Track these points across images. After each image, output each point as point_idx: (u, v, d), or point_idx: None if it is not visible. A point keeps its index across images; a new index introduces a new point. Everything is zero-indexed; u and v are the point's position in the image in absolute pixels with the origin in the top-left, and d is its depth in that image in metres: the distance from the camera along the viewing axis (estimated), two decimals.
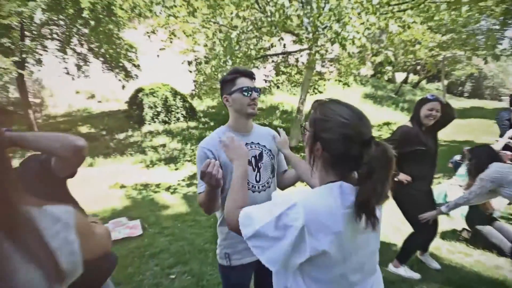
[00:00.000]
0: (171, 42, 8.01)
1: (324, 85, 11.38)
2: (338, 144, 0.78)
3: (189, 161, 7.47)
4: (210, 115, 11.69)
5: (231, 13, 6.20)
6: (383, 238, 3.12)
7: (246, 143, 1.41)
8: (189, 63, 8.21)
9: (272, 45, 7.07)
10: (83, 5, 5.70)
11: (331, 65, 10.23)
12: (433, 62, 12.21)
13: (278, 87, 15.38)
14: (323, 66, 10.42)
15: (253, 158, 1.40)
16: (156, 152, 8.05)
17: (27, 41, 7.77)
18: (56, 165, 1.08)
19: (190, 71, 8.10)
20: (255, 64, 9.05)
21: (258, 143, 1.42)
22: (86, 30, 7.85)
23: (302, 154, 7.89)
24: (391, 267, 2.51)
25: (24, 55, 7.30)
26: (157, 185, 5.70)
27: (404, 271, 2.46)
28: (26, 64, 8.23)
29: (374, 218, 0.74)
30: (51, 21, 7.78)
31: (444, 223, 3.52)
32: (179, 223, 3.83)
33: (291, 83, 10.75)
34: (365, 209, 0.73)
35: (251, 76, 1.43)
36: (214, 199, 1.22)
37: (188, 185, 5.77)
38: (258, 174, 1.40)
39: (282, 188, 1.54)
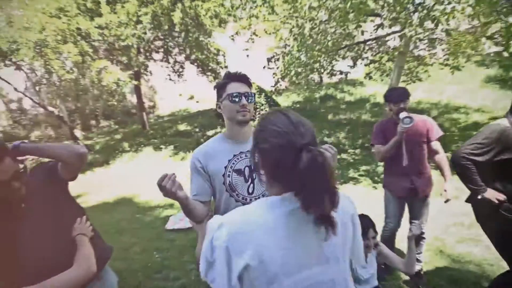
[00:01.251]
0: (253, 42, 8.33)
1: (426, 71, 9.70)
2: (272, 154, 0.76)
3: None
4: (295, 111, 11.61)
5: (305, 5, 5.93)
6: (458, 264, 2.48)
7: (241, 152, 1.35)
8: (268, 60, 8.34)
9: (349, 34, 6.43)
10: (175, 20, 6.50)
11: (433, 46, 8.57)
12: None
13: (370, 77, 14.05)
14: (423, 49, 8.85)
15: (246, 168, 1.33)
16: None
17: (141, 57, 9.44)
18: (62, 169, 1.29)
19: (269, 68, 8.22)
20: (337, 56, 8.46)
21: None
22: (181, 41, 8.99)
23: None
24: None
25: (136, 68, 8.93)
26: None
27: None
28: (142, 73, 10.12)
29: (328, 226, 0.71)
30: (156, 38, 9.23)
31: None
32: None
33: (382, 73, 9.59)
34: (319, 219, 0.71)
35: (244, 81, 1.36)
36: (188, 209, 1.20)
37: None
38: (251, 185, 1.34)
39: None
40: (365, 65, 9.17)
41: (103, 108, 11.37)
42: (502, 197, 1.73)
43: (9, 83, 8.70)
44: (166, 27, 7.60)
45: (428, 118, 2.41)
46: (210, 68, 10.53)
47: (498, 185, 1.77)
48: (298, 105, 12.37)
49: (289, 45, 7.14)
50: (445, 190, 2.25)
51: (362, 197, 4.34)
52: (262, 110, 11.14)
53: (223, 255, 0.73)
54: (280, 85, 8.71)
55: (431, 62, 9.18)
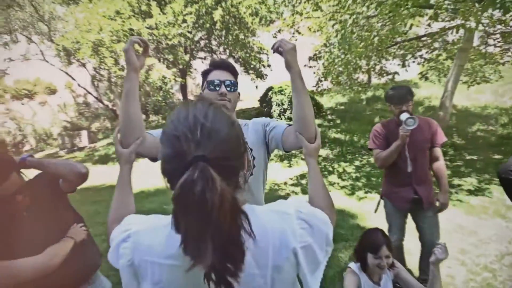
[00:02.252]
0: (296, 40, 8.13)
1: (496, 71, 8.46)
2: (161, 163, 0.58)
3: (303, 159, 7.37)
4: (338, 112, 11.07)
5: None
6: None
7: None
8: (310, 59, 8.05)
9: (399, 30, 5.83)
10: (215, 18, 6.62)
11: (506, 42, 7.37)
12: None
13: (426, 78, 12.82)
14: (493, 45, 7.67)
15: None
16: None
17: (186, 55, 9.86)
18: (62, 184, 1.37)
19: (310, 67, 7.92)
20: (387, 55, 7.79)
21: None
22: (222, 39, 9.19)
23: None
24: None
25: (181, 66, 9.34)
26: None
27: None
28: (187, 71, 10.56)
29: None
30: (201, 37, 9.56)
31: None
32: None
33: (440, 72, 8.62)
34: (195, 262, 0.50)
35: (226, 68, 1.26)
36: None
37: (295, 185, 5.71)
38: None
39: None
40: (418, 64, 8.31)
41: (153, 104, 12.15)
42: None
43: (73, 78, 9.78)
44: (208, 25, 7.80)
45: (433, 120, 2.15)
46: (252, 66, 10.56)
47: None
48: (342, 107, 11.77)
49: (332, 43, 6.77)
50: (438, 200, 2.13)
51: None
52: None
53: (127, 273, 0.63)
54: (322, 85, 8.34)
55: (503, 61, 7.96)
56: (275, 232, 0.62)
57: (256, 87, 11.73)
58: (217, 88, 1.20)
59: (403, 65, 7.84)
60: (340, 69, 6.57)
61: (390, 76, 8.17)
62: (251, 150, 1.25)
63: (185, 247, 0.51)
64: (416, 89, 12.60)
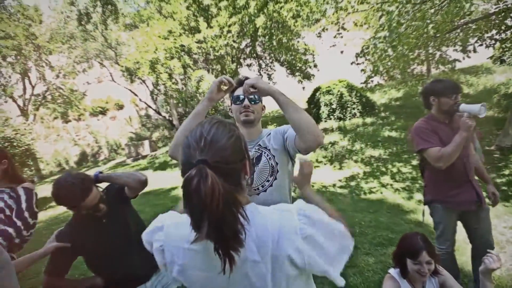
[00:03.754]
0: (341, 37, 7.89)
1: None
2: (181, 168, 0.72)
3: (355, 161, 7.06)
4: (392, 109, 10.33)
5: None
6: None
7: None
8: (357, 56, 7.69)
9: (459, 11, 5.24)
10: (258, 25, 6.80)
11: None
12: None
13: (502, 61, 11.23)
14: None
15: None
16: (325, 150, 8.21)
17: (233, 64, 10.28)
18: (127, 191, 1.65)
19: (357, 64, 7.56)
20: (446, 40, 7.02)
21: (259, 145, 1.37)
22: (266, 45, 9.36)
23: None
24: None
25: (228, 75, 9.81)
26: (312, 184, 5.84)
27: None
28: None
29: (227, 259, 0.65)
30: (246, 45, 9.88)
31: None
32: None
33: None
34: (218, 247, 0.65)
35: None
36: None
37: (343, 187, 5.52)
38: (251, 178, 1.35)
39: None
40: (487, 47, 7.30)
41: (210, 112, 13.00)
42: None
43: (136, 94, 11.00)
44: (251, 32, 8.05)
45: None
46: (298, 68, 10.52)
47: None
48: (397, 102, 10.95)
49: (378, 37, 6.39)
50: (494, 194, 2.04)
51: None
52: (353, 109, 10.38)
53: (158, 254, 0.81)
54: (372, 81, 7.88)
55: None
56: (275, 226, 0.71)
57: (303, 88, 11.62)
58: (240, 102, 1.34)
59: (464, 51, 6.98)
60: (389, 63, 6.17)
61: (450, 65, 7.34)
62: (274, 156, 1.33)
63: (191, 225, 0.65)
64: (489, 74, 11.11)
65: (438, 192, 2.02)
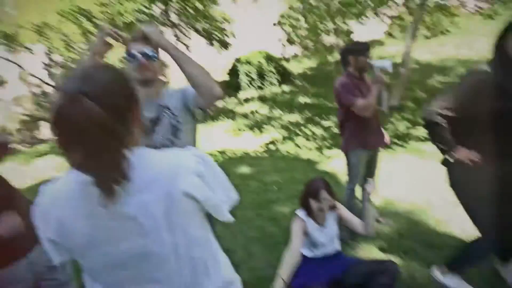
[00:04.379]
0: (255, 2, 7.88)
1: (452, 22, 8.69)
2: None
3: (274, 127, 7.47)
4: (307, 78, 11.11)
5: None
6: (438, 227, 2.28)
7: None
8: (275, 25, 7.88)
9: None
10: None
11: None
12: None
13: (390, 35, 12.93)
14: None
15: (148, 121, 1.29)
16: (246, 118, 8.44)
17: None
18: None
19: (276, 35, 7.77)
20: (349, 14, 7.74)
21: (160, 106, 1.31)
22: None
23: (404, 115, 6.52)
24: (436, 273, 1.83)
25: None
26: (234, 152, 6.01)
27: (453, 282, 1.74)
28: None
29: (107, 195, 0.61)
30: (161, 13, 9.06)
31: None
32: None
33: (402, 29, 8.75)
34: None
35: (144, 40, 1.26)
36: None
37: (265, 151, 5.82)
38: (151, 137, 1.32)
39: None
40: (381, 22, 8.36)
41: None
42: (475, 157, 1.49)
43: (22, 67, 9.14)
44: None
45: None
46: (216, 37, 10.22)
47: (472, 144, 1.52)
48: (311, 72, 11.80)
49: (292, 9, 6.64)
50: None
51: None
52: (272, 78, 10.80)
53: (37, 223, 0.70)
54: (289, 51, 8.26)
55: (459, 13, 8.19)
56: (169, 163, 0.70)
57: (222, 58, 11.46)
58: (135, 60, 1.22)
59: (362, 24, 7.85)
60: (303, 34, 6.52)
61: (349, 36, 8.18)
62: (175, 116, 1.31)
63: (66, 158, 0.60)
64: (381, 47, 12.80)
65: (361, 138, 2.33)
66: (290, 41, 7.09)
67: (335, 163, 4.52)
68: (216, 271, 0.77)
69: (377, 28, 12.67)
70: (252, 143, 6.53)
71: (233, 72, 11.32)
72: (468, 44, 11.01)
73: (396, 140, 5.07)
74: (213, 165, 0.76)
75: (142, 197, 0.65)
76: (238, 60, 11.21)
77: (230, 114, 9.10)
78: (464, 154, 1.50)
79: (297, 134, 6.49)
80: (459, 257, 1.74)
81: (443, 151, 1.59)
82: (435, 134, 1.59)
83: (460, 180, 1.62)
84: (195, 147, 1.42)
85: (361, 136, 2.31)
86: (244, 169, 4.72)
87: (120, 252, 0.66)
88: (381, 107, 2.41)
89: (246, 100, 10.02)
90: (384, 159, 4.31)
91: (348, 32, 8.69)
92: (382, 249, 2.19)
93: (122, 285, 0.71)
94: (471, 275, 1.79)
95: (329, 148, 5.31)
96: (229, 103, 10.25)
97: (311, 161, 4.80)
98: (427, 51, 10.79)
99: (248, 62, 10.81)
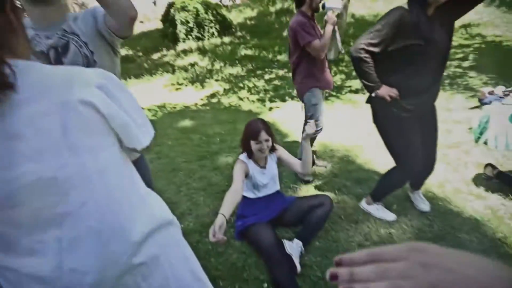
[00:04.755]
0: None
1: None
2: None
3: (216, 80, 7.15)
4: (248, 28, 10.64)
5: None
6: (371, 166, 2.56)
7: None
8: None
9: None
10: None
11: None
12: None
13: None
14: None
15: (52, 51, 1.04)
16: (185, 72, 7.90)
17: None
18: None
19: None
20: None
21: (64, 31, 1.04)
22: None
23: (340, 68, 6.81)
24: (363, 204, 2.06)
25: None
26: (174, 106, 5.66)
27: (376, 209, 1.99)
28: None
29: None
30: None
31: (477, 155, 2.69)
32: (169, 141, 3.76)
33: None
34: None
35: None
36: None
37: (205, 104, 5.60)
38: None
39: None
40: None
41: None
42: (394, 93, 1.61)
43: None
44: None
45: None
46: None
47: (392, 80, 1.62)
48: (252, 22, 11.31)
49: None
50: None
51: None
52: (211, 28, 10.08)
53: None
54: (230, 0, 7.65)
55: None
56: (62, 73, 0.58)
57: (154, 3, 10.16)
58: None
59: None
60: None
61: None
62: (86, 44, 1.07)
63: None
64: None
65: (316, 78, 2.35)
66: None
67: (277, 113, 4.60)
68: (146, 211, 0.69)
69: None
70: (193, 97, 6.21)
71: (167, 19, 10.22)
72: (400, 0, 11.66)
73: (332, 92, 5.33)
74: (123, 87, 0.66)
75: (29, 109, 0.51)
76: (172, 5, 10.08)
77: (168, 67, 8.39)
78: (385, 90, 1.61)
79: (240, 88, 6.35)
80: (379, 187, 1.96)
81: (368, 88, 1.68)
82: (360, 70, 1.65)
83: (380, 115, 1.76)
84: None
85: (316, 75, 2.35)
86: (186, 123, 4.50)
87: (7, 183, 0.51)
88: (338, 49, 2.53)
89: (185, 52, 9.30)
90: None
91: None
92: (318, 188, 2.37)
93: (14, 235, 0.55)
94: (389, 202, 2.06)
95: (270, 100, 5.34)
96: (167, 55, 9.39)
97: (253, 113, 4.80)
98: (362, 6, 11.14)
99: (184, 8, 9.81)
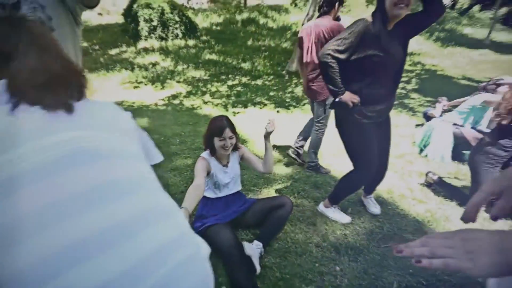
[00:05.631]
0: None
1: None
2: None
3: (178, 82, 6.96)
4: (213, 33, 10.61)
5: None
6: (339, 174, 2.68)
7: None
8: None
9: None
10: None
11: None
12: None
13: (296, 4, 13.47)
14: None
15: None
16: (145, 70, 7.57)
17: None
18: None
19: None
20: None
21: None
22: None
23: (301, 80, 7.08)
24: (320, 207, 2.13)
25: None
26: (131, 104, 5.37)
27: (333, 212, 2.07)
28: None
29: None
30: None
31: (419, 165, 2.98)
32: None
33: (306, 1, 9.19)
34: None
35: None
36: None
37: (166, 105, 5.39)
38: None
39: None
40: None
41: None
42: (356, 99, 1.71)
43: None
44: None
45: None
46: None
47: (355, 87, 1.74)
48: (218, 27, 11.31)
49: None
50: None
51: (265, 119, 4.36)
52: (176, 29, 9.85)
53: None
54: (197, 3, 7.57)
55: None
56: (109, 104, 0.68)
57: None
58: None
59: None
60: None
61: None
62: (43, 7, 0.96)
63: None
64: (287, 14, 13.26)
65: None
66: None
67: (239, 118, 4.61)
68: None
69: None
70: (153, 96, 5.95)
71: (130, 14, 9.77)
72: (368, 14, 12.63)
73: (293, 103, 5.52)
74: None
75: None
76: (135, 1, 9.67)
77: (127, 64, 7.96)
78: (348, 97, 1.72)
79: (203, 91, 6.26)
80: (337, 190, 2.05)
81: (332, 93, 1.77)
82: (327, 75, 1.74)
83: (343, 120, 1.86)
84: (77, 57, 1.12)
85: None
86: (144, 122, 4.29)
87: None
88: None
89: (146, 51, 8.92)
90: (282, 117, 4.71)
91: None
92: (278, 191, 2.40)
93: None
94: (345, 206, 2.17)
95: (233, 106, 5.35)
96: (127, 52, 8.92)
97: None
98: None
99: (148, 5, 9.47)
